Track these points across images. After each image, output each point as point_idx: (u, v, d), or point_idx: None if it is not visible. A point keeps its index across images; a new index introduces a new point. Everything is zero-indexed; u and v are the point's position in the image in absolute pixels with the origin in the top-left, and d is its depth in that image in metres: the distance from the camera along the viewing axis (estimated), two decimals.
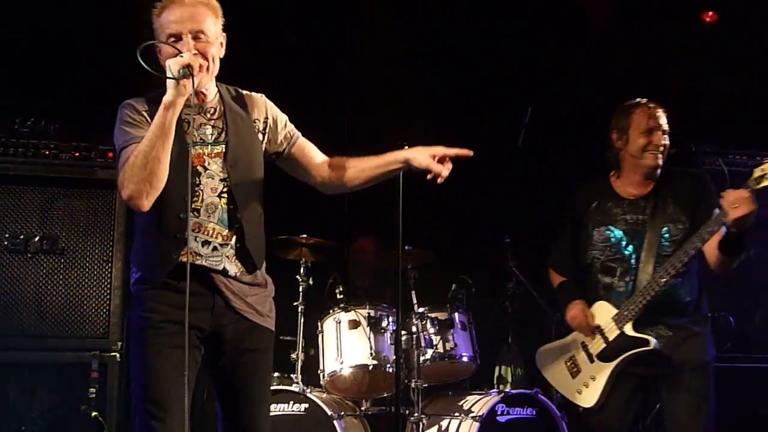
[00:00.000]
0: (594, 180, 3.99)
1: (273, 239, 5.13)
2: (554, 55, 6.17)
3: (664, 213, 3.71)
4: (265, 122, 3.12)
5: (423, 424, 4.90)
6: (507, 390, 5.00)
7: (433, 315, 5.10)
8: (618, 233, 3.76)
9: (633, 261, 3.72)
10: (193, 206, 2.86)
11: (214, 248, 2.89)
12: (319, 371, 5.06)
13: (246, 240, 2.94)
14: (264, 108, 3.14)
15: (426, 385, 5.05)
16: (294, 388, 4.82)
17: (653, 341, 3.51)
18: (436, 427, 4.98)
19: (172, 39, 2.86)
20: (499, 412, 4.81)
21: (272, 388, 4.72)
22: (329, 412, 4.67)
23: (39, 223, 4.57)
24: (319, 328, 5.14)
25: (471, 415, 4.78)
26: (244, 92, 3.14)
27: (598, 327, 3.69)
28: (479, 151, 5.98)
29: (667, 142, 3.83)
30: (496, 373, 5.54)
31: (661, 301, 3.55)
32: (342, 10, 6.20)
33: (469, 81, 6.27)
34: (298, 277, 5.21)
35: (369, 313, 5.03)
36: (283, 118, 3.17)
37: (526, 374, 5.56)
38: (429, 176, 3.04)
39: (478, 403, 4.85)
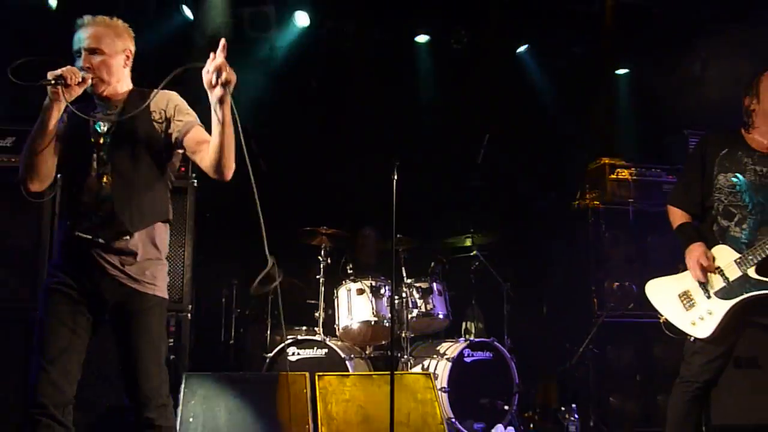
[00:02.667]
0: (725, 131, 3.27)
1: (300, 230, 5.19)
2: (505, 97, 6.12)
3: None
4: (162, 113, 2.73)
5: (411, 363, 4.99)
6: (471, 338, 5.01)
7: (417, 284, 5.13)
8: (744, 181, 3.07)
9: (756, 210, 3.04)
10: (83, 184, 2.62)
11: (89, 218, 2.60)
12: (335, 325, 5.10)
13: (115, 209, 2.59)
14: (165, 102, 2.75)
15: (413, 335, 5.17)
16: (317, 337, 4.88)
17: None
18: (420, 365, 5.00)
19: (78, 54, 2.67)
20: (465, 355, 4.85)
21: (301, 337, 4.86)
22: (343, 355, 4.73)
23: None
24: (335, 294, 5.17)
25: (445, 356, 4.85)
26: (154, 90, 2.72)
27: (718, 267, 3.03)
28: (450, 167, 6.10)
29: None
30: (463, 327, 5.50)
31: None
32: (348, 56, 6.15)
33: (443, 114, 6.26)
34: (319, 257, 5.22)
35: (371, 283, 5.06)
36: (181, 109, 2.75)
37: (484, 327, 5.55)
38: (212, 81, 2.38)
39: (451, 348, 4.92)
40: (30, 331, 4.02)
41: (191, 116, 2.76)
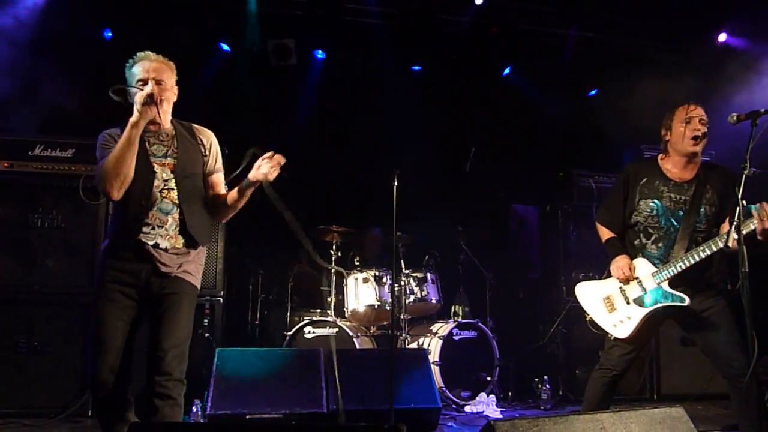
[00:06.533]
0: (645, 161, 3.22)
1: (317, 228, 5.15)
2: (488, 118, 6.10)
3: (704, 197, 2.96)
4: (207, 148, 2.80)
5: (408, 341, 4.99)
6: (459, 320, 5.02)
7: (414, 274, 5.14)
8: (661, 206, 3.01)
9: (670, 232, 2.99)
10: (146, 199, 2.60)
11: (152, 228, 2.59)
12: (344, 308, 5.10)
13: (187, 225, 2.64)
14: (208, 139, 2.83)
15: (410, 317, 5.13)
16: (329, 318, 4.88)
17: (687, 299, 2.87)
18: (416, 342, 5.00)
19: (141, 83, 2.61)
20: (454, 333, 4.85)
21: (315, 318, 4.85)
22: (351, 333, 4.73)
23: None
24: (345, 282, 5.17)
25: (437, 335, 4.84)
26: (195, 126, 2.84)
27: (637, 278, 3.00)
28: (442, 175, 6.15)
29: (705, 131, 2.98)
30: (452, 310, 5.43)
31: (688, 270, 2.89)
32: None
33: (437, 131, 6.18)
34: (331, 251, 5.20)
35: (375, 273, 5.06)
36: (218, 151, 2.85)
37: (470, 311, 5.55)
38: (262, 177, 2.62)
39: (442, 328, 4.91)
40: (85, 313, 4.13)
41: (220, 160, 2.86)
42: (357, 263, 5.30)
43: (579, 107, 6.06)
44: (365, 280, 5.07)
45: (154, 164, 2.64)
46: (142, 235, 2.58)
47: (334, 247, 5.24)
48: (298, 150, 5.81)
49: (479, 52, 5.92)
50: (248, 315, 5.42)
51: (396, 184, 3.76)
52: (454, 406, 4.63)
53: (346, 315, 5.10)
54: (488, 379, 4.79)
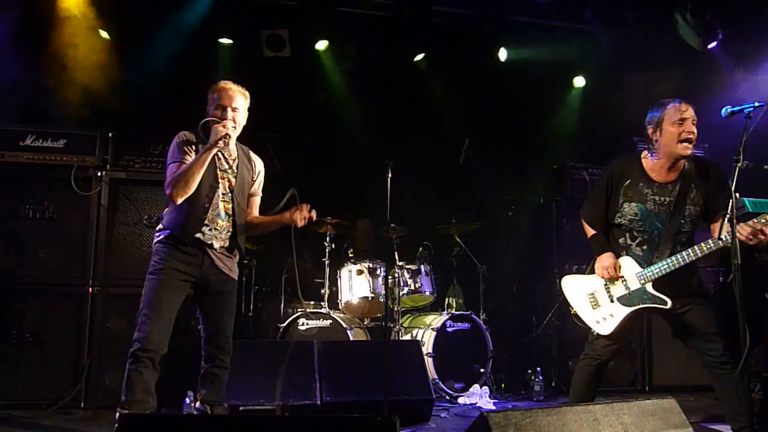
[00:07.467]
0: (628, 159, 3.14)
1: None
2: (485, 111, 6.12)
3: (688, 197, 2.96)
4: (256, 173, 3.33)
5: (401, 332, 5.02)
6: (453, 312, 4.99)
7: (408, 266, 5.14)
8: (645, 210, 2.99)
9: (654, 234, 3.00)
10: (209, 202, 3.08)
11: (211, 230, 3.08)
12: (338, 300, 5.10)
13: (236, 230, 3.16)
14: (259, 166, 3.35)
15: (403, 309, 5.20)
16: (323, 310, 4.85)
17: (669, 302, 2.92)
18: (410, 334, 5.01)
19: (220, 109, 3.08)
20: (448, 326, 4.85)
21: (309, 310, 4.80)
22: (344, 325, 4.71)
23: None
24: (338, 274, 5.16)
25: (430, 327, 4.83)
26: (252, 153, 3.35)
27: (621, 277, 3.01)
28: (436, 166, 6.15)
29: (696, 132, 2.95)
30: (446, 302, 5.48)
31: (673, 273, 2.93)
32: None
33: (430, 122, 6.20)
34: (324, 243, 5.18)
35: (369, 265, 5.06)
36: (262, 180, 3.37)
37: (464, 303, 5.56)
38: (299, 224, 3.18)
39: (435, 320, 4.91)
40: (78, 304, 4.15)
41: (262, 185, 3.39)
42: (350, 255, 5.28)
43: (572, 99, 6.04)
44: (359, 272, 5.06)
45: (219, 176, 3.13)
46: (200, 234, 3.05)
47: (327, 239, 5.22)
48: (293, 141, 5.87)
49: (473, 44, 5.90)
50: (242, 307, 5.40)
51: (390, 175, 3.73)
52: (447, 397, 4.63)
53: (340, 307, 5.09)
54: (481, 370, 4.79)
